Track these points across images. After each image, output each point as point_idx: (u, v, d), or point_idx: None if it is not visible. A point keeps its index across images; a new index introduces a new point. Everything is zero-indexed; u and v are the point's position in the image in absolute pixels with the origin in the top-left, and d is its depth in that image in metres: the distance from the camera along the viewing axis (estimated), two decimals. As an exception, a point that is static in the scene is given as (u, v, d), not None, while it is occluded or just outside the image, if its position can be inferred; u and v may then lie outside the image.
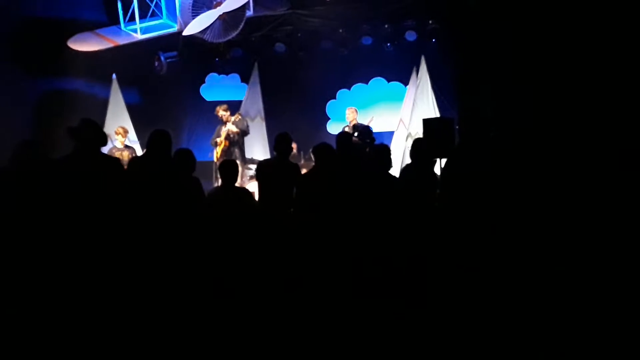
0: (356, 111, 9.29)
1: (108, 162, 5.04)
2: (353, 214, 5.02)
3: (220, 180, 5.69)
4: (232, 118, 8.89)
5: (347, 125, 9.22)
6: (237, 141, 8.90)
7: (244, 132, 8.97)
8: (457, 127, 7.00)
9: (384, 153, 5.47)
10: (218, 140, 8.89)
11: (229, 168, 5.55)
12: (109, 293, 4.10)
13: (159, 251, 4.43)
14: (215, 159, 8.96)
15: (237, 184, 5.74)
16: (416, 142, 5.77)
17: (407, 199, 5.10)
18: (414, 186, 5.33)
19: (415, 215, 4.91)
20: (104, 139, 5.17)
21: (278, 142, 5.74)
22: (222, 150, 8.81)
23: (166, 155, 5.13)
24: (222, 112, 8.98)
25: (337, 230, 4.90)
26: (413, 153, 5.60)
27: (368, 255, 4.63)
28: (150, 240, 4.46)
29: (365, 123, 9.08)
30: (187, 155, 5.33)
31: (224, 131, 8.84)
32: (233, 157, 8.57)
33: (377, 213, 4.99)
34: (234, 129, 8.80)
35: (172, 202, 4.80)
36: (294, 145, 9.26)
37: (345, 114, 9.39)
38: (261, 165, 5.94)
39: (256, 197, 6.21)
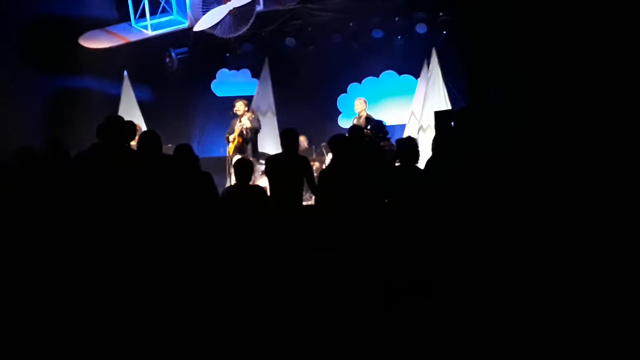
0: (365, 102, 9.28)
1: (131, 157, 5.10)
2: (375, 207, 5.02)
3: (233, 177, 5.71)
4: (247, 115, 8.87)
5: (356, 117, 9.19)
6: (250, 138, 8.89)
7: (256, 130, 8.96)
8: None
9: (411, 146, 5.42)
10: (231, 137, 8.88)
11: (243, 167, 5.56)
12: (120, 289, 4.12)
13: (167, 249, 4.44)
14: (228, 155, 8.95)
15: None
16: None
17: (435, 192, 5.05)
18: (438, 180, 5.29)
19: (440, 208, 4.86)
20: (130, 136, 5.24)
21: (284, 138, 5.76)
22: (235, 147, 8.80)
23: (158, 154, 5.14)
24: (243, 107, 8.93)
25: (360, 223, 4.91)
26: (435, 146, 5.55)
27: (392, 250, 4.64)
28: (158, 239, 4.48)
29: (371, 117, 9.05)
30: (186, 150, 5.32)
31: (237, 127, 8.82)
32: (246, 153, 8.58)
33: (401, 206, 4.97)
34: (248, 124, 8.78)
35: (177, 199, 4.81)
36: (303, 139, 9.25)
37: (354, 105, 9.36)
38: (270, 160, 5.96)
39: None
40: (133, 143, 5.42)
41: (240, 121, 8.88)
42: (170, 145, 7.63)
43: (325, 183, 5.54)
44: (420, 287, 4.23)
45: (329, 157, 8.60)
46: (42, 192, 4.57)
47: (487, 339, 3.58)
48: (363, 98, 9.42)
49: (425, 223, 4.75)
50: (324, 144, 9.28)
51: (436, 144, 5.50)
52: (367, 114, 9.13)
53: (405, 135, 9.83)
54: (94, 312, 3.97)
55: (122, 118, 5.41)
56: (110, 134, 4.96)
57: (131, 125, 5.68)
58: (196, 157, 5.93)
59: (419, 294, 4.17)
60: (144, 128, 9.69)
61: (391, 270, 4.47)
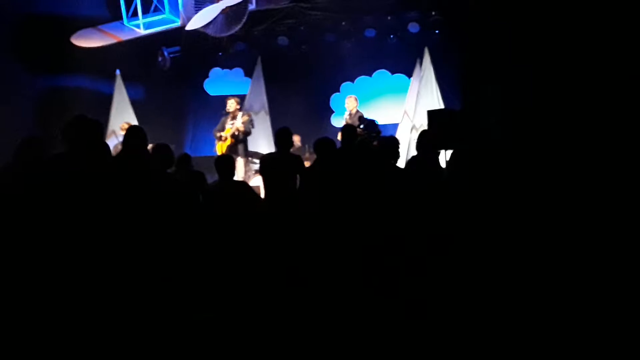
0: (356, 99, 9.22)
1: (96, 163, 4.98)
2: (358, 206, 5.02)
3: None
4: (242, 118, 8.82)
5: (347, 113, 9.18)
6: (242, 139, 8.86)
7: (248, 133, 8.93)
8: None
9: (392, 145, 5.47)
10: (222, 135, 8.81)
11: (224, 163, 5.56)
12: (108, 290, 4.10)
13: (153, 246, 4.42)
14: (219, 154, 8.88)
15: (242, 179, 5.76)
16: (422, 134, 5.77)
17: (413, 192, 5.09)
18: (419, 178, 5.33)
19: (420, 208, 4.90)
20: (99, 137, 5.10)
21: (279, 137, 5.79)
22: (227, 147, 8.75)
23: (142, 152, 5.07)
24: (235, 105, 8.89)
25: (341, 223, 4.91)
26: (419, 145, 5.59)
27: (372, 248, 4.64)
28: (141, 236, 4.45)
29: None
30: (163, 150, 5.28)
31: (229, 127, 8.75)
32: (238, 154, 8.56)
33: (383, 205, 4.99)
34: (242, 128, 8.75)
35: (156, 198, 4.78)
36: (297, 138, 9.25)
37: (345, 102, 9.35)
38: (264, 159, 5.97)
39: (261, 191, 6.22)
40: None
41: (231, 119, 8.83)
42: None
43: (307, 185, 5.55)
44: (409, 282, 4.25)
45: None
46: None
47: (477, 335, 3.59)
48: (354, 95, 9.39)
49: (412, 221, 4.76)
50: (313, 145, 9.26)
51: (420, 142, 5.55)
52: (359, 112, 9.12)
53: (398, 134, 9.85)
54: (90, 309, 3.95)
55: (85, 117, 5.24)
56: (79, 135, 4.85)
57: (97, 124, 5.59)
58: (188, 157, 5.94)
59: (408, 288, 4.19)
60: (136, 127, 9.66)
61: (380, 266, 4.48)
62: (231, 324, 3.95)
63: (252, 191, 5.68)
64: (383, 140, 5.61)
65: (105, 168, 4.52)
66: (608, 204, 4.38)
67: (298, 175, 5.73)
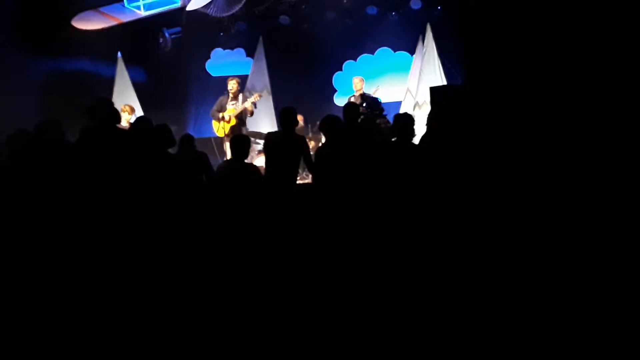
0: (363, 80, 9.21)
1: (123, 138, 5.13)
2: (368, 184, 5.03)
3: (229, 155, 5.71)
4: (253, 97, 8.71)
5: (353, 95, 9.14)
6: (245, 120, 8.82)
7: (252, 113, 8.89)
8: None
9: (408, 122, 5.42)
10: (225, 116, 8.66)
11: (240, 144, 5.56)
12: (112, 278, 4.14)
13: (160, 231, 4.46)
14: (222, 135, 8.81)
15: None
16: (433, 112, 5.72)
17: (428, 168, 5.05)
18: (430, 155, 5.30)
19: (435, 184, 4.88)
20: (117, 117, 5.29)
21: (283, 117, 5.77)
22: (231, 127, 8.64)
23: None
24: (236, 86, 8.79)
25: (351, 201, 4.93)
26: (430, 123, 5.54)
27: (382, 228, 4.65)
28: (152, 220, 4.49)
29: (371, 94, 9.02)
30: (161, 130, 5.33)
31: (232, 107, 8.68)
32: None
33: (397, 182, 4.98)
34: (251, 108, 8.68)
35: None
36: (299, 118, 9.22)
37: (353, 83, 9.31)
38: (268, 138, 5.96)
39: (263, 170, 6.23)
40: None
41: (232, 100, 8.73)
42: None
43: (322, 161, 5.55)
44: (416, 262, 4.26)
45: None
46: (39, 175, 4.57)
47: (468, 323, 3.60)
48: (360, 76, 9.35)
49: (420, 199, 4.76)
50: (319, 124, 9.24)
51: (431, 119, 5.51)
52: (364, 92, 9.07)
53: (401, 111, 9.82)
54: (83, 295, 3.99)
55: (109, 99, 5.46)
56: (103, 115, 5.01)
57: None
58: (191, 137, 5.95)
59: (414, 268, 4.20)
60: (138, 109, 9.66)
61: (388, 246, 4.49)
62: (232, 308, 3.97)
63: (261, 174, 5.72)
64: (398, 117, 5.55)
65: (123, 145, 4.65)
66: (609, 184, 4.39)
67: (302, 156, 5.73)
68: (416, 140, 5.52)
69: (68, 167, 4.61)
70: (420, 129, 5.56)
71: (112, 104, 5.46)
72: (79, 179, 4.52)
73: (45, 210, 4.33)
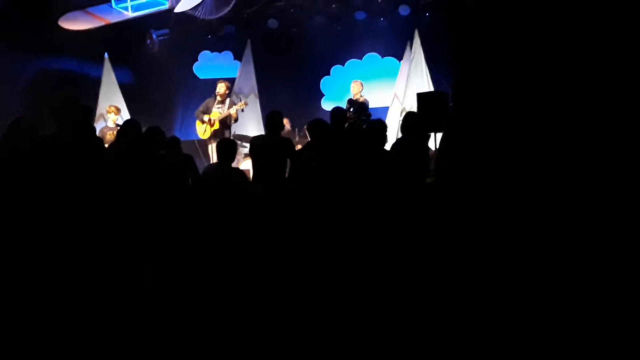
0: (361, 84, 9.09)
1: (90, 144, 5.01)
2: (347, 189, 5.03)
3: (215, 159, 5.69)
4: (238, 105, 8.66)
5: (351, 98, 9.07)
6: (230, 125, 8.77)
7: (237, 120, 8.85)
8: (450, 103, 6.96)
9: (379, 128, 5.47)
10: (211, 119, 8.62)
11: (227, 147, 5.54)
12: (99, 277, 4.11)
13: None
14: (205, 137, 8.77)
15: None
16: (407, 116, 5.76)
17: (397, 174, 5.09)
18: (403, 160, 5.32)
19: (405, 191, 4.91)
20: (87, 120, 5.16)
21: (269, 120, 5.79)
22: (214, 131, 8.62)
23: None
24: (225, 90, 8.76)
25: (330, 206, 4.92)
26: (404, 127, 5.58)
27: (360, 233, 4.65)
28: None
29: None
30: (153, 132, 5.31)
31: (218, 111, 8.63)
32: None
33: (370, 189, 5.00)
34: (235, 115, 8.63)
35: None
36: (286, 122, 9.20)
37: (350, 87, 9.19)
38: (254, 141, 5.95)
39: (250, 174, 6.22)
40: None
41: (219, 103, 8.68)
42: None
43: (304, 159, 5.54)
44: (402, 265, 4.27)
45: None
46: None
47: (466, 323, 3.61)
48: (360, 80, 9.25)
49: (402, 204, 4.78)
50: (306, 126, 9.23)
51: (405, 124, 5.55)
52: (352, 97, 9.02)
53: (388, 117, 9.85)
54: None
55: (77, 101, 5.33)
56: (69, 119, 4.92)
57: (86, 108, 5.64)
58: (177, 140, 5.93)
59: (402, 271, 4.20)
60: (124, 110, 9.62)
61: (373, 250, 4.49)
62: (223, 309, 3.95)
63: (247, 179, 5.71)
64: (371, 123, 5.60)
65: (93, 149, 4.56)
66: (599, 182, 4.40)
67: (288, 159, 5.73)
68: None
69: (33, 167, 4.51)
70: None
71: (81, 107, 5.33)
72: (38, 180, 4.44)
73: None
